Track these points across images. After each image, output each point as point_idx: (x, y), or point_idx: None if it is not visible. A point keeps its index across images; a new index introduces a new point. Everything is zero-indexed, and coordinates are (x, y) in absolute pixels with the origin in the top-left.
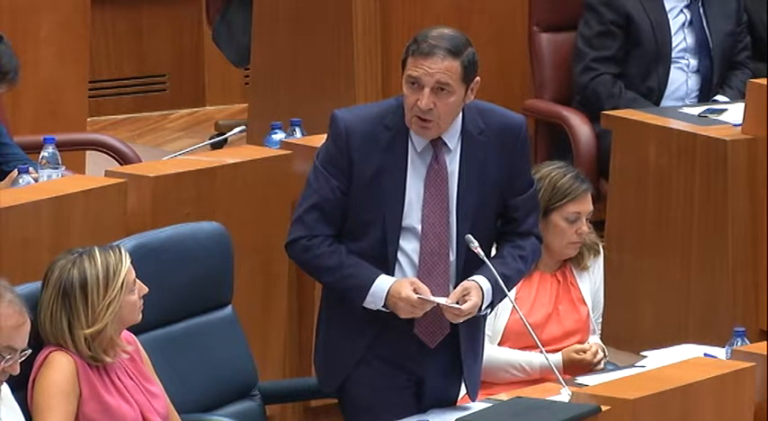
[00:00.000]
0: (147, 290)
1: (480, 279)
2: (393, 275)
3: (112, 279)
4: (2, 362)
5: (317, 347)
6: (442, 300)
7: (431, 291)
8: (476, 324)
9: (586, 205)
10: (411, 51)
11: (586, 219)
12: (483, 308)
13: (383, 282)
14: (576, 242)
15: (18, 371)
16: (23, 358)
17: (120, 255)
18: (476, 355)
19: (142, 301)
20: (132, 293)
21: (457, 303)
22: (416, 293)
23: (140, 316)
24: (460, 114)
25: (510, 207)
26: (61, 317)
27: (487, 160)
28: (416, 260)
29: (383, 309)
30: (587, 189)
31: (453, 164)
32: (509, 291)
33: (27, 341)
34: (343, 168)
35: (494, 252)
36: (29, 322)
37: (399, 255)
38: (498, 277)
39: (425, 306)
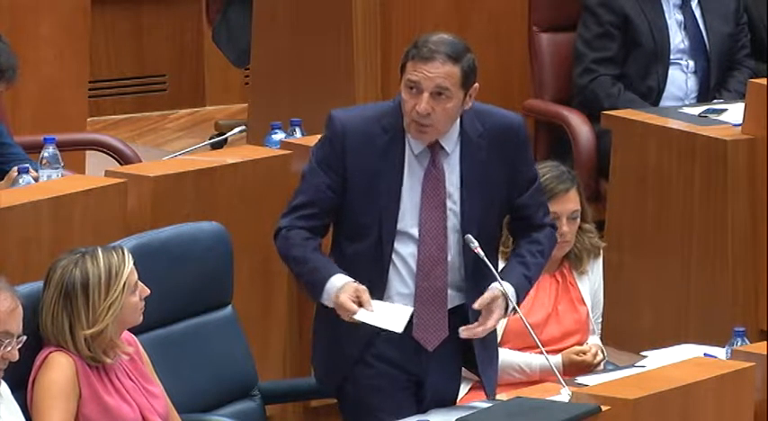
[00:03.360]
0: (149, 291)
1: (505, 286)
2: (388, 280)
3: (114, 280)
4: (1, 348)
5: (314, 347)
6: (381, 324)
7: (428, 296)
8: None
9: (566, 205)
10: (411, 56)
11: (581, 220)
12: (507, 312)
13: (335, 282)
14: (560, 242)
15: (17, 357)
16: (20, 344)
17: (122, 256)
18: (491, 351)
19: (143, 303)
20: (134, 295)
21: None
22: (359, 302)
23: (141, 317)
24: (459, 118)
25: (519, 205)
26: (63, 318)
27: (488, 162)
28: (413, 264)
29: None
30: (567, 189)
31: (453, 168)
32: (531, 288)
33: (21, 326)
34: (338, 168)
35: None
36: (20, 307)
37: (396, 260)
38: (498, 276)
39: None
